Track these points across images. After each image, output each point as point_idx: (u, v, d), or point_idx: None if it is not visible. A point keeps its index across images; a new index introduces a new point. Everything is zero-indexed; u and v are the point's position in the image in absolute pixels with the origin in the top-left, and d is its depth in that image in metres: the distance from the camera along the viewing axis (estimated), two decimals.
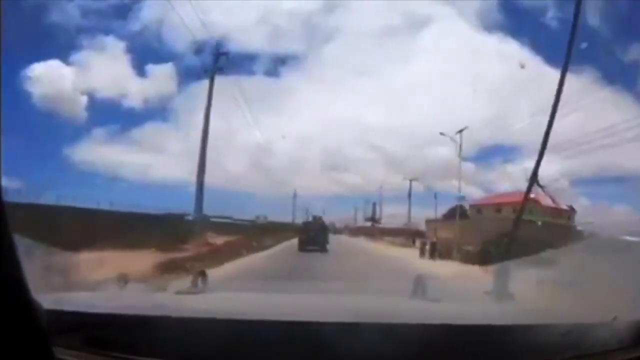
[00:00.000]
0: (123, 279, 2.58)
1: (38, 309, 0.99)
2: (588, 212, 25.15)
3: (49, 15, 24.74)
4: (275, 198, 37.93)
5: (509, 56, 26.21)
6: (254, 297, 2.40)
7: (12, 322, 0.90)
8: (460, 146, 28.10)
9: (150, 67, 28.42)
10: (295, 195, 39.45)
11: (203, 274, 2.55)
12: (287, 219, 40.57)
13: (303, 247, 22.86)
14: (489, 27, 28.40)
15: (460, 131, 28.65)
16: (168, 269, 10.89)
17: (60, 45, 25.65)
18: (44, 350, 0.97)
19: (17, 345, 0.91)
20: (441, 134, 28.80)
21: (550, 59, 23.41)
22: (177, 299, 2.17)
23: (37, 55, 23.89)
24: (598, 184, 28.01)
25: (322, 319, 1.42)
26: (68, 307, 1.36)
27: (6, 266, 0.89)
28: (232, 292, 2.82)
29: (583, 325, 1.43)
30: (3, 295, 0.89)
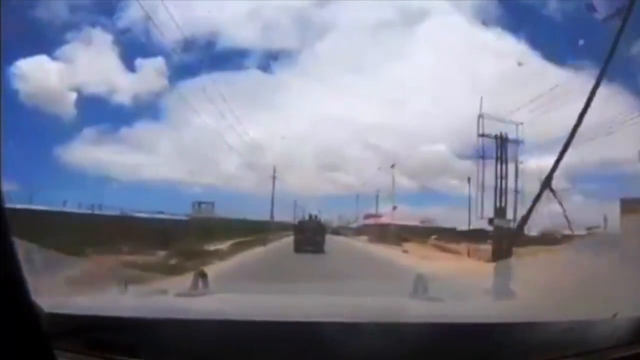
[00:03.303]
0: (123, 282, 2.57)
1: (39, 312, 0.99)
2: (581, 210, 24.98)
3: (35, 10, 24.35)
4: (262, 196, 33.25)
5: (506, 52, 26.19)
6: (254, 298, 2.40)
7: (12, 325, 0.90)
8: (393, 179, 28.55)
9: (140, 64, 27.60)
10: (274, 180, 32.02)
11: (203, 276, 2.54)
12: (282, 218, 35.99)
13: (299, 247, 22.43)
14: (486, 21, 28.35)
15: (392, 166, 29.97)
16: None
17: (47, 40, 25.15)
18: (45, 353, 0.97)
19: (17, 348, 0.91)
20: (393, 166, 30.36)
21: (548, 55, 23.40)
22: (178, 301, 2.17)
23: (25, 51, 23.41)
24: (592, 181, 27.89)
25: (322, 319, 1.42)
26: (68, 310, 1.36)
27: (6, 269, 0.89)
28: (232, 294, 2.81)
29: (583, 323, 1.43)
30: (3, 298, 0.89)
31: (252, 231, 29.06)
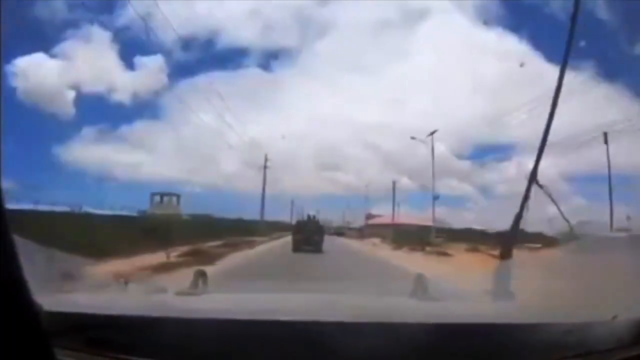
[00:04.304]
0: (123, 280, 2.57)
1: (38, 310, 0.99)
2: (584, 211, 24.94)
3: (33, 7, 24.11)
4: (259, 195, 31.85)
5: (507, 52, 26.18)
6: (254, 297, 2.40)
7: (12, 324, 0.90)
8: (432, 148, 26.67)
9: (139, 62, 27.62)
10: (264, 170, 28.93)
11: (203, 275, 2.54)
12: (281, 217, 35.37)
13: (298, 247, 22.74)
14: (488, 21, 28.35)
15: (432, 134, 28.11)
16: None
17: (45, 38, 25.01)
18: (45, 352, 0.97)
19: (17, 346, 0.91)
20: (412, 138, 28.09)
21: (549, 55, 23.43)
22: (177, 300, 2.18)
23: (23, 49, 23.72)
24: (594, 182, 27.84)
25: (322, 319, 1.42)
26: (68, 309, 1.36)
27: (6, 267, 0.89)
28: (232, 293, 2.82)
29: (583, 324, 1.43)
30: (3, 296, 0.89)
31: (234, 232, 23.54)
